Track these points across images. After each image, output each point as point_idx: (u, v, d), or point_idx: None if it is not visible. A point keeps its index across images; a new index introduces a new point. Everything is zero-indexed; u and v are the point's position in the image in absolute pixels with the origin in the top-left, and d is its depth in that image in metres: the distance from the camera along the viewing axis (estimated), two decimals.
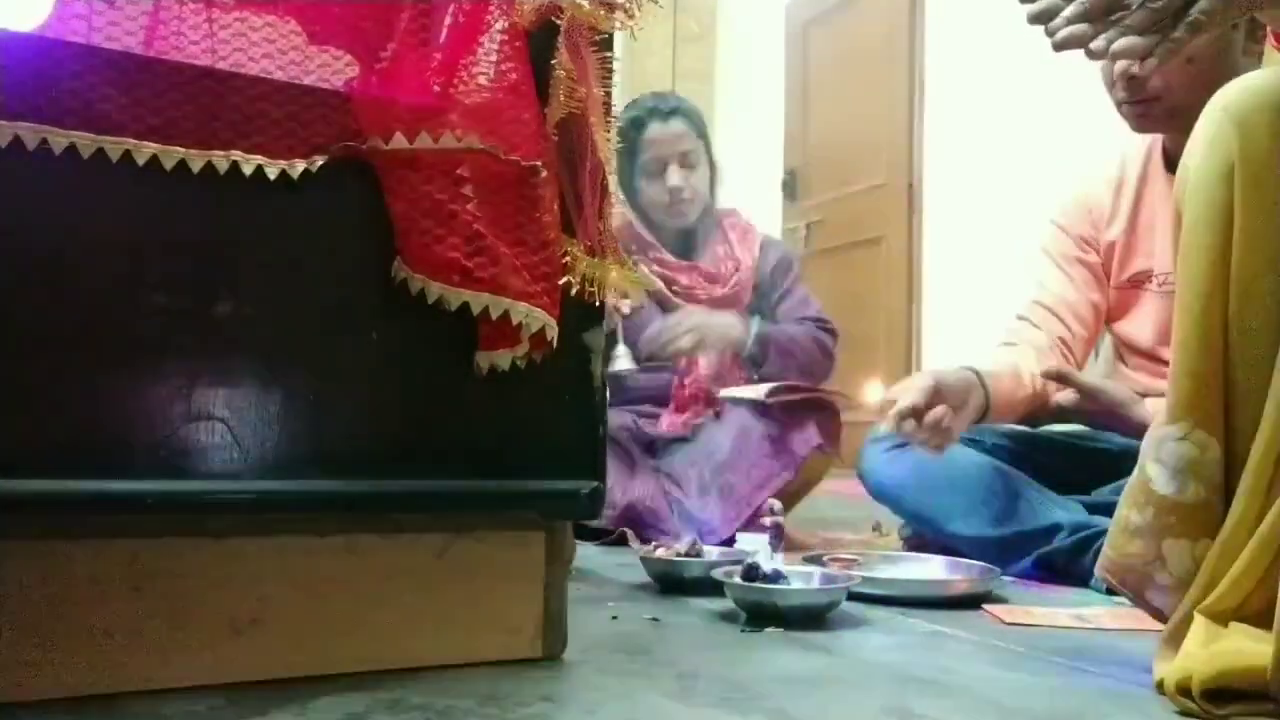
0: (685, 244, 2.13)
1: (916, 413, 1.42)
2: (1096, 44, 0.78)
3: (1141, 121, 1.46)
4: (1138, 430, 1.48)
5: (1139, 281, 1.56)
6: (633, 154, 2.05)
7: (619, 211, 2.08)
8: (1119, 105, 1.47)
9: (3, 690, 0.68)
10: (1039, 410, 1.59)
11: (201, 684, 0.74)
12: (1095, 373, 1.69)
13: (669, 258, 2.09)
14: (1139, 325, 1.56)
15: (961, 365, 1.56)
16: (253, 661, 0.76)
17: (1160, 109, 1.42)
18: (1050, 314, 1.62)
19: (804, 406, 1.91)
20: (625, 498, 1.74)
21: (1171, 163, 1.51)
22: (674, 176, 2.04)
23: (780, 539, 1.70)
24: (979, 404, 1.50)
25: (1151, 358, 1.54)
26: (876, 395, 1.52)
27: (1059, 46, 0.81)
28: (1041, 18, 0.82)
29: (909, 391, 1.44)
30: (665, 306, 2.04)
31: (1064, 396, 1.55)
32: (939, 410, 1.42)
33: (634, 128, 2.04)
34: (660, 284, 2.03)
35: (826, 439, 1.93)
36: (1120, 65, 1.41)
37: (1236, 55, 1.39)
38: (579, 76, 0.86)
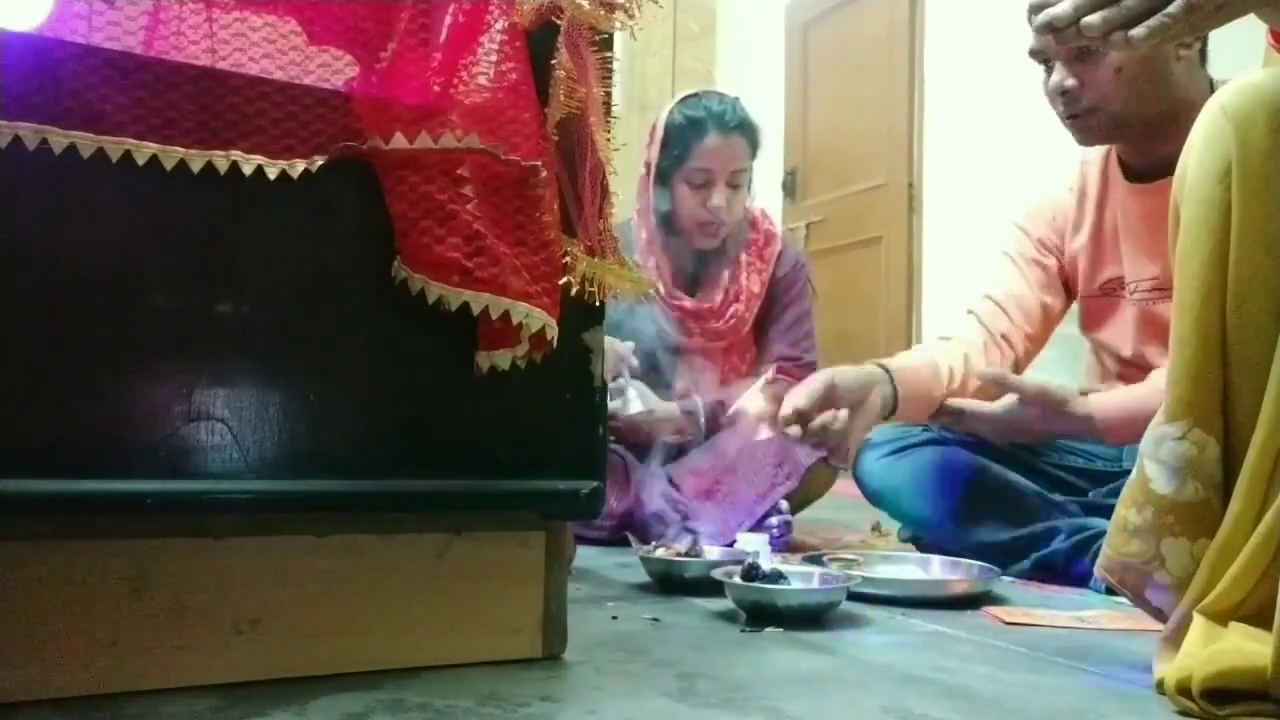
0: (699, 260, 2.04)
1: (802, 417, 1.40)
2: (1092, 19, 0.78)
3: (1085, 135, 1.46)
4: (1077, 430, 1.46)
5: (1111, 289, 1.55)
6: (682, 156, 1.93)
7: (638, 209, 2.03)
8: (1061, 121, 1.47)
9: (3, 690, 0.68)
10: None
11: (201, 684, 0.74)
12: (1076, 383, 1.67)
13: (668, 277, 2.00)
14: (1117, 333, 1.55)
15: (871, 361, 1.54)
16: (253, 661, 0.76)
17: (1098, 121, 1.43)
18: (997, 308, 1.61)
19: None
20: (621, 506, 1.73)
21: (1129, 170, 1.51)
22: (718, 197, 1.90)
23: (785, 538, 1.70)
24: (881, 400, 1.48)
25: (1133, 365, 1.53)
26: (759, 404, 1.50)
27: (1046, 25, 0.81)
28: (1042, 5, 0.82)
29: (797, 394, 1.43)
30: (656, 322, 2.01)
31: (1001, 404, 1.51)
32: (826, 415, 1.41)
33: (692, 128, 1.91)
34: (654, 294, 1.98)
35: (833, 452, 1.92)
36: (1055, 79, 1.42)
37: (1168, 62, 1.39)
38: (579, 76, 0.86)
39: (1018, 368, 1.62)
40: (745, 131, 1.95)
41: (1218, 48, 1.44)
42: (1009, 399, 1.48)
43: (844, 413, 1.42)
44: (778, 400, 1.49)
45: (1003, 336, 1.60)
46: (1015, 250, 1.65)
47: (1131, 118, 1.40)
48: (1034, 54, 1.45)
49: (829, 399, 1.43)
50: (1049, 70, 1.45)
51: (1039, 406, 1.45)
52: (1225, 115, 0.82)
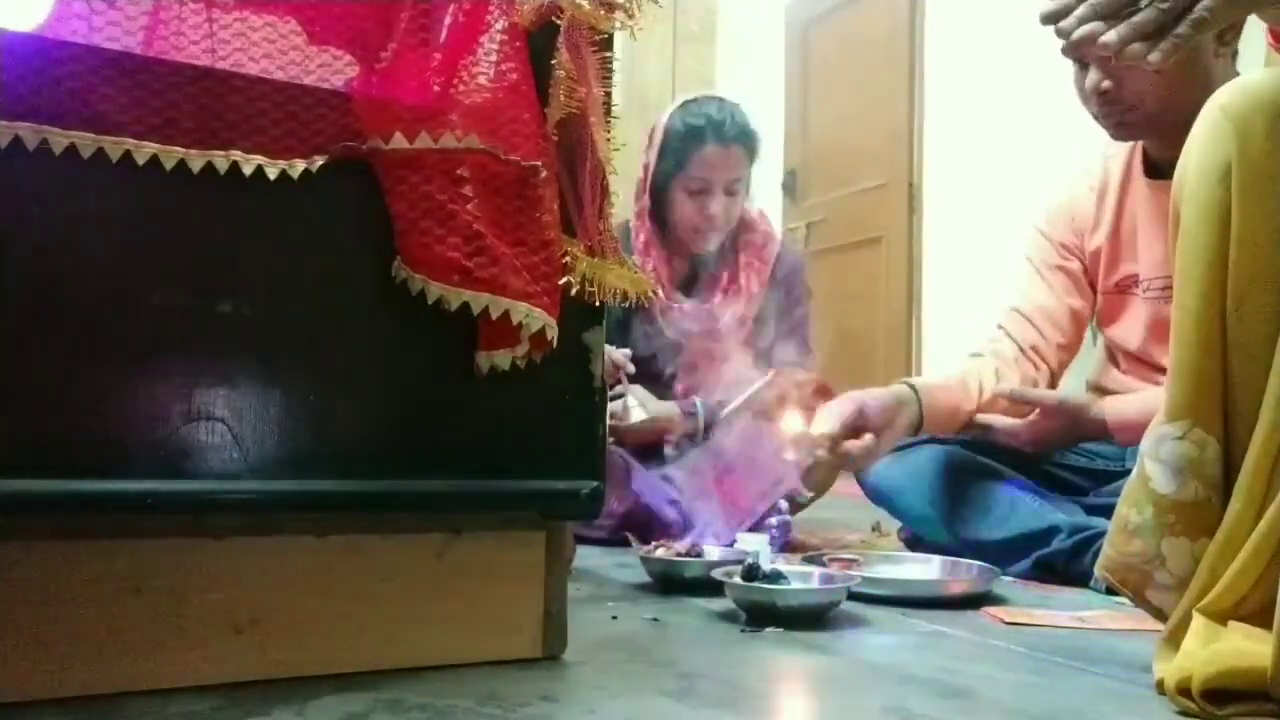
0: (697, 261, 2.05)
1: (831, 441, 1.45)
2: (1108, 36, 0.78)
3: (1119, 130, 1.47)
4: (1098, 434, 1.50)
5: (1125, 287, 1.56)
6: (680, 163, 1.93)
7: (637, 209, 2.04)
8: (1095, 117, 1.47)
9: (3, 690, 0.68)
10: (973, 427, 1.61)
11: (201, 684, 0.74)
12: (1083, 379, 1.69)
13: (665, 279, 2.00)
14: (1128, 329, 1.56)
15: (900, 380, 1.59)
16: (253, 661, 0.76)
17: (1136, 117, 1.43)
18: (1026, 322, 1.63)
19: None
20: (622, 506, 1.73)
21: (1152, 167, 1.51)
22: (715, 205, 1.92)
23: (785, 538, 1.70)
24: (909, 421, 1.52)
25: (1141, 361, 1.54)
26: (795, 425, 1.53)
27: (1075, 44, 0.81)
28: (1054, 17, 0.82)
29: (827, 418, 1.47)
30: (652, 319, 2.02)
31: (1003, 421, 1.57)
32: (849, 444, 1.45)
33: (692, 136, 1.91)
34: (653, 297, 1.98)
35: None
36: (1091, 80, 1.42)
37: (1208, 59, 1.39)
38: (579, 76, 0.86)
39: (1053, 379, 1.64)
40: (744, 140, 1.95)
41: None
42: (1032, 413, 1.53)
43: (869, 438, 1.47)
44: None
45: (1033, 349, 1.62)
46: (1038, 257, 1.66)
47: (1169, 114, 1.38)
48: (1066, 52, 1.45)
49: (858, 423, 1.47)
50: (1082, 68, 1.44)
51: (1060, 418, 1.51)
52: (1225, 115, 0.82)
